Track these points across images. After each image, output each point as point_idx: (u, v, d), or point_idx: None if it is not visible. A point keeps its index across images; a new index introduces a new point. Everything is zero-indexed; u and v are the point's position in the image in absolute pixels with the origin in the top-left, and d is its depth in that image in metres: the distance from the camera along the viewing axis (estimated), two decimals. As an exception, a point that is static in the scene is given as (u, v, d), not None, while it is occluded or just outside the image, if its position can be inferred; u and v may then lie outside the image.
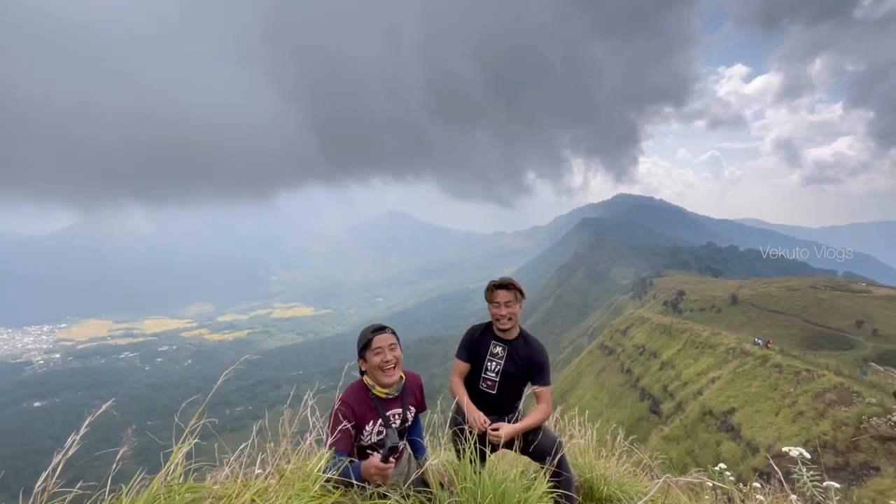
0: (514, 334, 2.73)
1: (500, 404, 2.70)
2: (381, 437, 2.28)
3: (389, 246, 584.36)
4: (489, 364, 2.71)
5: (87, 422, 1.57)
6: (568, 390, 59.66)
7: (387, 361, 2.24)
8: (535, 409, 2.63)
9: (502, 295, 2.63)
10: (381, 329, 2.30)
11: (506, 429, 2.39)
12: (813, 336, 55.03)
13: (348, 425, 2.14)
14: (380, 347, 2.25)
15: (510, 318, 2.63)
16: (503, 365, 2.69)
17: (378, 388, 2.28)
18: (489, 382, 2.71)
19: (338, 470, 1.95)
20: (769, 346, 37.20)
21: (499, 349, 2.70)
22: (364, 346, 2.27)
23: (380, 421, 2.26)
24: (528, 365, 2.66)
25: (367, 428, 2.24)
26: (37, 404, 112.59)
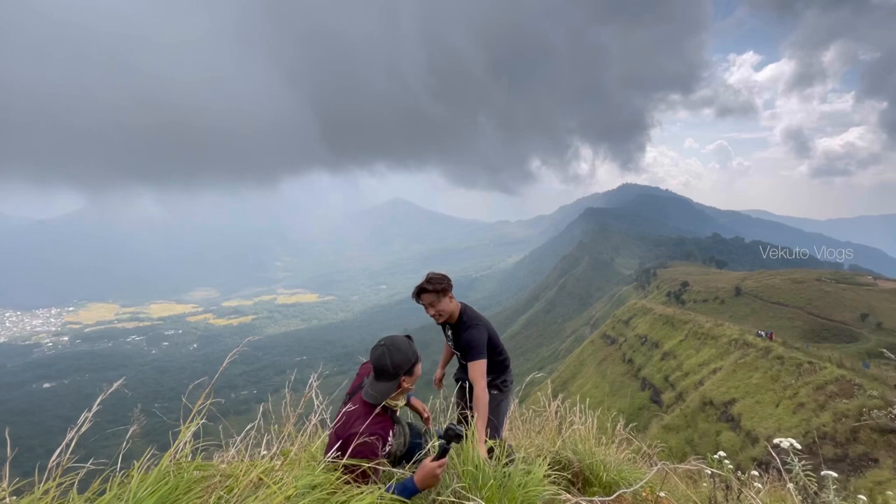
0: (453, 319, 2.97)
1: (464, 383, 2.91)
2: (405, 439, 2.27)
3: (393, 233, 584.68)
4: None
5: (99, 399, 1.62)
6: (569, 379, 60.06)
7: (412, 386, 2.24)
8: None
9: (425, 298, 2.85)
10: (416, 358, 2.24)
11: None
12: (816, 329, 54.92)
13: (383, 454, 2.09)
14: (418, 375, 2.26)
15: (440, 315, 2.87)
16: (452, 348, 3.07)
17: (395, 403, 2.24)
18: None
19: (392, 495, 1.87)
20: (772, 339, 37.19)
21: (448, 333, 3.08)
22: (408, 371, 2.18)
23: (395, 427, 2.22)
24: (463, 345, 2.84)
25: (389, 440, 2.17)
26: (46, 385, 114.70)
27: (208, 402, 1.80)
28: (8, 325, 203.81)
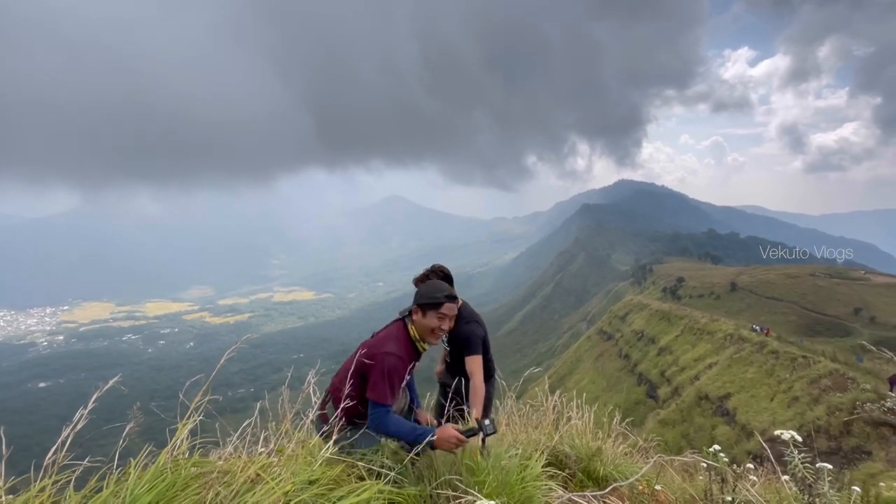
0: None
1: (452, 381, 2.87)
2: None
3: (389, 230, 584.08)
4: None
5: (95, 396, 1.60)
6: (566, 374, 60.33)
7: (443, 330, 2.31)
8: None
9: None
10: (454, 298, 2.34)
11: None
12: (811, 323, 55.37)
13: (405, 381, 2.24)
14: (445, 315, 2.29)
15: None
16: (445, 343, 3.00)
17: (423, 344, 2.34)
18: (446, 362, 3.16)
19: (415, 439, 2.05)
20: (768, 334, 37.43)
21: None
22: (432, 305, 2.26)
23: (407, 377, 2.28)
24: (462, 339, 2.79)
25: (406, 378, 2.27)
26: (41, 385, 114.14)
27: (205, 399, 1.80)
28: (2, 324, 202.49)
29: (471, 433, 1.99)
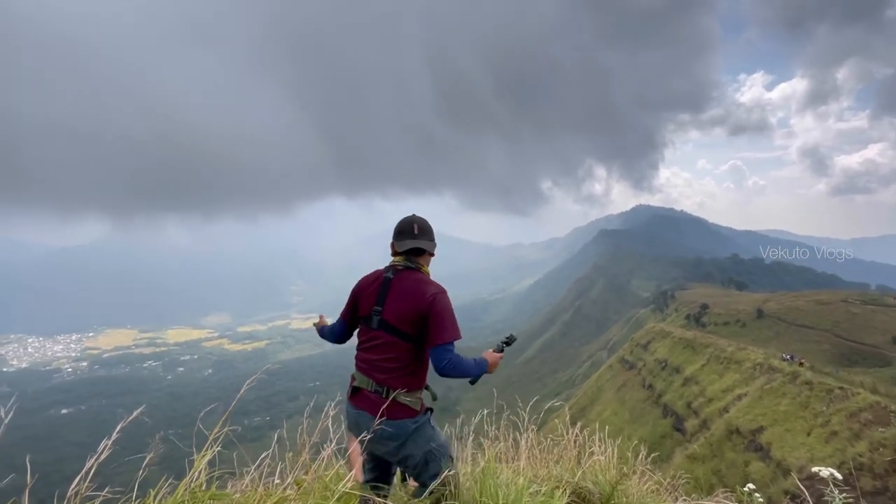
0: None
1: None
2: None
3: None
4: None
5: (118, 427, 1.62)
6: (587, 405, 58.32)
7: None
8: None
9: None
10: None
11: None
12: (846, 352, 52.75)
13: None
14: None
15: None
16: None
17: None
18: None
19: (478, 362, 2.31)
20: (802, 363, 35.68)
21: None
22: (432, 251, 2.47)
23: None
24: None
25: None
26: (63, 411, 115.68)
27: (225, 429, 1.82)
28: (30, 350, 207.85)
29: (501, 349, 2.50)
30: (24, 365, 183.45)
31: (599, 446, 2.89)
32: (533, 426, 3.23)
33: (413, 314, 2.22)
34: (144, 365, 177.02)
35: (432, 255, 2.47)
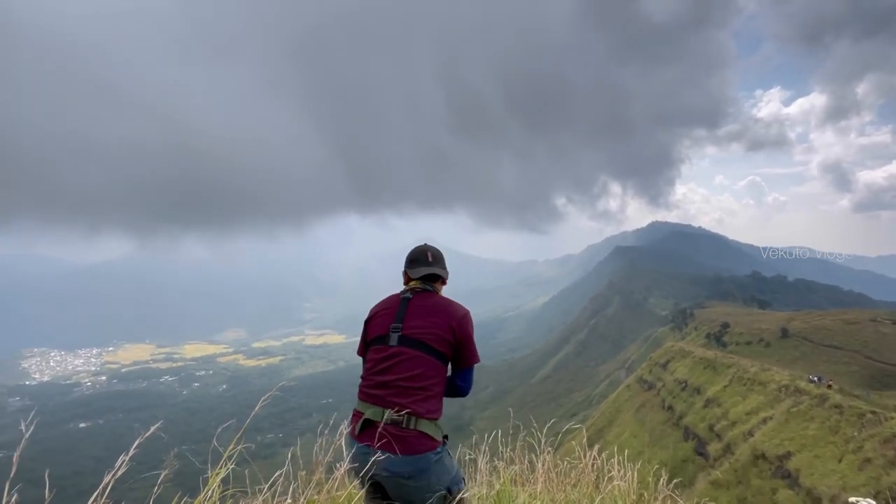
0: None
1: None
2: None
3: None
4: None
5: (136, 443, 1.63)
6: (605, 426, 56.76)
7: None
8: None
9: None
10: None
11: None
12: (876, 374, 50.57)
13: None
14: None
15: None
16: None
17: None
18: None
19: None
20: (830, 386, 34.26)
21: None
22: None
23: None
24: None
25: None
26: (82, 425, 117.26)
27: (239, 447, 1.81)
28: (52, 364, 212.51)
29: None
30: (45, 378, 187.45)
31: (619, 470, 2.79)
32: (549, 448, 3.13)
33: (442, 329, 2.14)
34: (161, 380, 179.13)
35: (445, 282, 2.47)
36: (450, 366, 2.25)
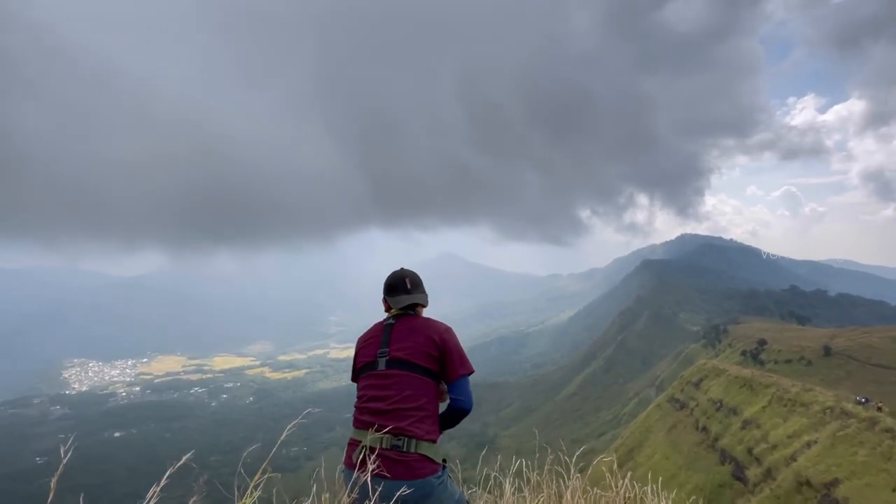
0: None
1: None
2: None
3: (442, 288, 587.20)
4: None
5: (168, 472, 1.63)
6: (635, 447, 54.67)
7: None
8: None
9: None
10: None
11: None
12: (932, 397, 46.96)
13: None
14: None
15: None
16: None
17: None
18: None
19: None
20: (880, 408, 32.07)
21: None
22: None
23: None
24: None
25: None
26: (116, 434, 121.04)
27: (265, 476, 1.83)
28: (90, 374, 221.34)
29: None
30: (84, 388, 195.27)
31: (653, 499, 2.62)
32: (576, 472, 2.98)
33: (426, 345, 2.18)
34: (191, 391, 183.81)
35: (426, 306, 2.50)
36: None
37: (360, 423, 2.11)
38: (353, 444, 2.08)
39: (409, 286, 2.39)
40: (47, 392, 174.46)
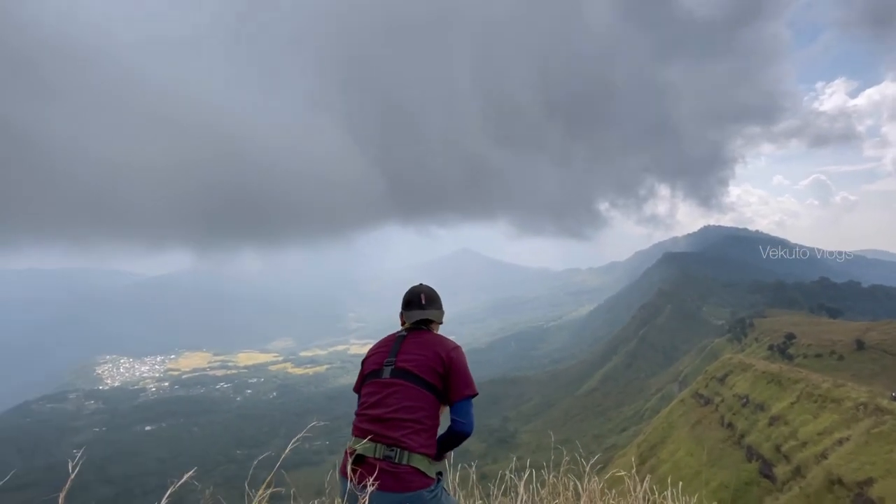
0: None
1: None
2: None
3: (459, 283, 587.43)
4: None
5: (168, 491, 1.67)
6: (658, 443, 53.85)
7: None
8: None
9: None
10: None
11: None
12: (975, 392, 44.79)
13: None
14: None
15: None
16: None
17: None
18: None
19: None
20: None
21: None
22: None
23: None
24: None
25: None
26: (147, 428, 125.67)
27: (268, 491, 1.89)
28: (122, 370, 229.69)
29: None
30: (116, 384, 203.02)
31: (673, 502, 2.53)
32: (595, 477, 2.90)
33: (432, 360, 2.18)
34: (217, 386, 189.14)
35: (440, 323, 2.55)
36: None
37: (358, 431, 2.14)
38: (349, 452, 2.09)
39: (423, 302, 2.45)
40: (82, 387, 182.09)
